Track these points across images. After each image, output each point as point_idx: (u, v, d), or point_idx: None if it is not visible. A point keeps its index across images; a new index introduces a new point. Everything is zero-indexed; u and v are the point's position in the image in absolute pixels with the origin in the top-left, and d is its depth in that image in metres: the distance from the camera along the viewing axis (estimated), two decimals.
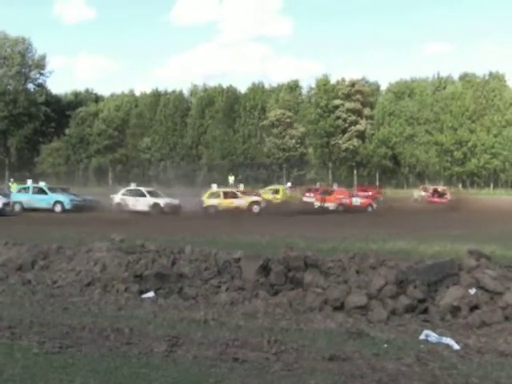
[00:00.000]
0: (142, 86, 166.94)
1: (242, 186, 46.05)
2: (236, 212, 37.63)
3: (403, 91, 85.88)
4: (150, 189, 42.55)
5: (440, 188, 56.42)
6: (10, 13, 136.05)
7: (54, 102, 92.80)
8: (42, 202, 37.72)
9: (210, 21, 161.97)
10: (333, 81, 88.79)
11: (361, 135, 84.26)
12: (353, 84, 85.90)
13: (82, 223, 28.23)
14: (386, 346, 7.11)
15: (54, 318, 8.25)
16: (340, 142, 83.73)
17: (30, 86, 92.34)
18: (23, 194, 38.64)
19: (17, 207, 36.86)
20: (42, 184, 41.21)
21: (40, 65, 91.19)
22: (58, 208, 37.10)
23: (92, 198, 40.47)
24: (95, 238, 13.93)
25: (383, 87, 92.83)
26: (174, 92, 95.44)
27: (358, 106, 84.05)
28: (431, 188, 55.63)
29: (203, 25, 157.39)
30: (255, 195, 43.32)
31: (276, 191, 48.52)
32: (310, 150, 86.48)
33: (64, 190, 40.55)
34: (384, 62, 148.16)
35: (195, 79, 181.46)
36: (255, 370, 6.08)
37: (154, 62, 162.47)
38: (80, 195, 40.63)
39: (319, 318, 8.46)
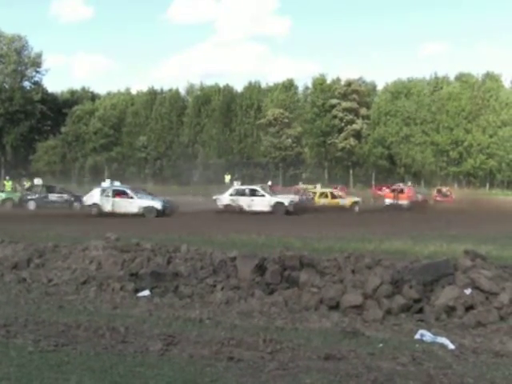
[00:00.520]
0: (139, 85, 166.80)
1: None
2: (340, 211, 38.70)
3: (400, 91, 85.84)
4: (265, 187, 41.12)
5: (444, 188, 57.27)
6: (7, 11, 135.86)
7: (50, 100, 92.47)
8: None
9: (207, 20, 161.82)
10: (330, 80, 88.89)
11: (357, 135, 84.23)
12: (349, 83, 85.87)
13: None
14: (381, 345, 7.11)
15: (50, 317, 8.25)
16: (336, 141, 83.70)
17: (26, 84, 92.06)
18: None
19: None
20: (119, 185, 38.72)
21: (36, 63, 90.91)
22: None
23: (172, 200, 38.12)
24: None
25: (380, 87, 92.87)
26: (170, 91, 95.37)
27: (354, 105, 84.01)
28: (436, 188, 57.04)
29: (200, 24, 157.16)
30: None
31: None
32: (306, 150, 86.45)
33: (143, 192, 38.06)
34: (381, 62, 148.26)
35: (192, 78, 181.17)
36: (250, 369, 6.08)
37: (151, 61, 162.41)
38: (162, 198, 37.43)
39: (315, 318, 8.46)
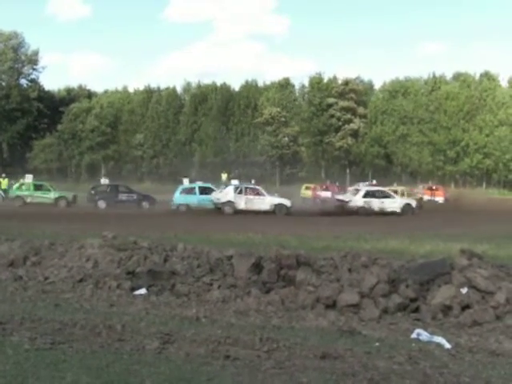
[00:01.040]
0: (136, 83, 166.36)
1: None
2: None
3: (397, 90, 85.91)
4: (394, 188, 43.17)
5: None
6: (4, 9, 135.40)
7: (46, 97, 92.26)
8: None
9: (204, 18, 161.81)
10: (327, 79, 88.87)
11: (354, 134, 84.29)
12: (346, 82, 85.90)
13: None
14: (377, 344, 7.12)
15: (46, 314, 8.23)
16: (333, 140, 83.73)
17: (23, 82, 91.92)
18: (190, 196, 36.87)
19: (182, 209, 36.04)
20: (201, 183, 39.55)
21: (33, 60, 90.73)
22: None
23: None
24: None
25: (377, 86, 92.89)
26: (167, 89, 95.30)
27: (351, 104, 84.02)
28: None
29: (198, 22, 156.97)
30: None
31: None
32: (303, 149, 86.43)
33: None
34: (378, 61, 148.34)
35: (189, 77, 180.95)
36: (247, 368, 6.08)
37: (149, 60, 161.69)
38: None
39: (311, 316, 8.47)
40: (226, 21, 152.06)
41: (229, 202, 34.99)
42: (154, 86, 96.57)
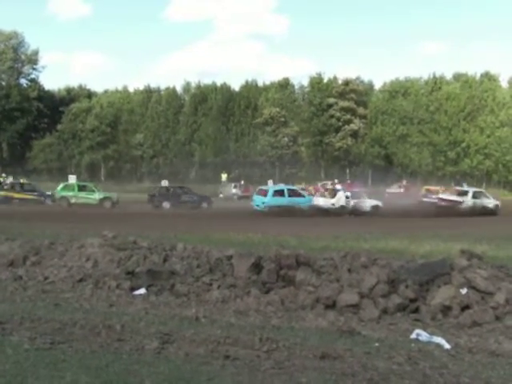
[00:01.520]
0: (137, 83, 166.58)
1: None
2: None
3: (397, 90, 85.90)
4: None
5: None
6: (4, 8, 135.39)
7: (46, 97, 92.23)
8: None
9: (204, 18, 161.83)
10: (327, 79, 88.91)
11: (354, 134, 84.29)
12: (347, 83, 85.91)
13: None
14: (377, 344, 7.12)
15: (46, 314, 8.23)
16: (333, 140, 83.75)
17: (23, 81, 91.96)
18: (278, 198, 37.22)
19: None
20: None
21: (33, 60, 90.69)
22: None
23: None
24: None
25: (378, 86, 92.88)
26: (167, 89, 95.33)
27: (351, 104, 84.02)
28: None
29: (198, 22, 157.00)
30: None
31: None
32: (303, 149, 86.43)
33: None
34: (379, 61, 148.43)
35: (190, 76, 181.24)
36: (246, 368, 6.08)
37: (149, 59, 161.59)
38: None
39: (311, 317, 8.47)
40: (226, 20, 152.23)
41: (342, 206, 37.49)
42: (153, 85, 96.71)
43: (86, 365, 5.98)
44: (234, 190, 57.59)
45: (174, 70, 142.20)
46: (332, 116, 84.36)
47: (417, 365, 6.34)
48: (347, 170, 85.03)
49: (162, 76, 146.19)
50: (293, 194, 38.08)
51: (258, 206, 37.04)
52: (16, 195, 39.24)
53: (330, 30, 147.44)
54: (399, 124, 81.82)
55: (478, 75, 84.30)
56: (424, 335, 7.49)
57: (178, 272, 10.41)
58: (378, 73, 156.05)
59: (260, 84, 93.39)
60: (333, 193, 39.53)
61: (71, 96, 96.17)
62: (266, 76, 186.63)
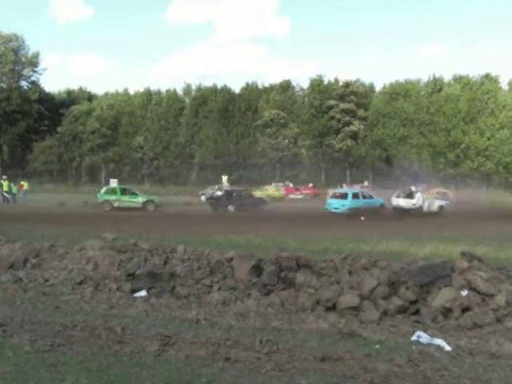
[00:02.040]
0: (137, 85, 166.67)
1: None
2: None
3: (398, 92, 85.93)
4: None
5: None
6: (5, 11, 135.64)
7: (47, 99, 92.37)
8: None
9: (205, 20, 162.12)
10: (328, 81, 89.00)
11: (354, 136, 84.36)
12: (347, 85, 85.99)
13: None
14: (377, 346, 7.12)
15: (46, 317, 8.23)
16: (333, 142, 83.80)
17: (24, 84, 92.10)
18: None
19: None
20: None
21: (33, 62, 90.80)
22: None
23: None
24: None
25: (378, 88, 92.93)
26: (167, 91, 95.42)
27: (352, 106, 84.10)
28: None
29: (199, 24, 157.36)
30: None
31: None
32: (303, 150, 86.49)
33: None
34: (380, 64, 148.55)
35: (190, 79, 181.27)
36: (247, 370, 6.08)
37: (150, 62, 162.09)
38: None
39: (311, 319, 8.47)
40: (227, 23, 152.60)
41: (420, 206, 38.87)
42: (154, 88, 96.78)
43: (86, 367, 5.98)
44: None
45: (174, 72, 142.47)
46: (332, 118, 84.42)
47: (417, 367, 6.33)
48: (347, 172, 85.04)
49: (162, 78, 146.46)
50: (364, 196, 40.55)
51: (337, 208, 38.38)
52: None
53: (331, 32, 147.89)
54: (400, 126, 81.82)
55: (479, 77, 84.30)
56: (425, 337, 7.49)
57: (178, 274, 10.41)
58: (379, 75, 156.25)
59: (260, 86, 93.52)
60: (408, 194, 40.42)
61: (72, 98, 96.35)
62: (267, 78, 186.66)
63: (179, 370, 6.00)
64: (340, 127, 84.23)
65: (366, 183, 58.92)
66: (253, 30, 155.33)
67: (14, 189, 45.84)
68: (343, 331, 7.77)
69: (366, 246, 16.80)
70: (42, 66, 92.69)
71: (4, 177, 46.28)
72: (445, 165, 78.83)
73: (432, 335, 7.60)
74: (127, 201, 39.38)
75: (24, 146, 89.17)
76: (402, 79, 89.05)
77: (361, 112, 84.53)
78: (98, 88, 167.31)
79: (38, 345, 6.73)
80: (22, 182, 49.49)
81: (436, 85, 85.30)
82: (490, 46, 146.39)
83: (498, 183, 78.38)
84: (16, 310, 8.70)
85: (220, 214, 38.60)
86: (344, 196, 39.55)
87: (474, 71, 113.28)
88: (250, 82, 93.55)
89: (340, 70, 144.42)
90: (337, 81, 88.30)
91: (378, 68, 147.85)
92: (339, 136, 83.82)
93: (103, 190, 41.33)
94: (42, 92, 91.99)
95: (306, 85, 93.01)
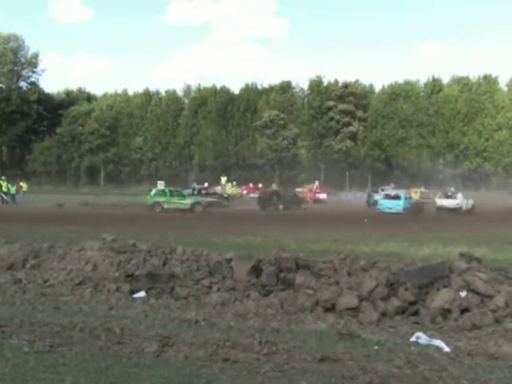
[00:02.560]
0: (136, 86, 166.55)
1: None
2: None
3: (397, 93, 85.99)
4: None
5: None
6: (4, 11, 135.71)
7: (46, 100, 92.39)
8: None
9: (204, 22, 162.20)
10: (327, 82, 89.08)
11: (353, 137, 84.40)
12: (346, 86, 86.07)
13: None
14: (376, 347, 7.12)
15: (45, 317, 8.23)
16: (333, 143, 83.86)
17: (23, 84, 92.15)
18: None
19: None
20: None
21: (32, 63, 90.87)
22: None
23: None
24: None
25: (377, 89, 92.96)
26: (167, 92, 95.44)
27: (351, 107, 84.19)
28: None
29: (198, 25, 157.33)
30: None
31: None
32: (303, 151, 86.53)
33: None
34: (378, 65, 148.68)
35: (190, 80, 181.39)
36: (246, 371, 6.08)
37: (149, 62, 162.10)
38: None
39: (310, 319, 8.46)
40: (226, 24, 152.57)
41: (461, 206, 42.94)
42: (153, 89, 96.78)
43: (85, 368, 5.98)
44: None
45: (173, 73, 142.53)
46: (331, 119, 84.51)
47: (416, 368, 6.33)
48: (346, 173, 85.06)
49: (161, 79, 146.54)
50: (407, 197, 45.16)
51: (390, 208, 41.98)
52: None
53: (330, 33, 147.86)
54: (398, 127, 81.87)
55: (477, 78, 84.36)
56: (423, 338, 7.49)
57: (177, 275, 10.42)
58: (378, 76, 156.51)
59: (260, 87, 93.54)
60: (448, 195, 44.79)
61: (71, 99, 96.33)
62: (266, 79, 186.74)
63: (178, 371, 6.00)
64: (339, 128, 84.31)
65: (392, 185, 59.94)
66: (252, 31, 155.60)
67: (13, 189, 45.80)
68: (342, 332, 7.77)
69: (365, 247, 16.80)
70: (41, 66, 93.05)
71: (3, 177, 46.24)
72: (443, 166, 78.91)
73: (431, 336, 7.60)
74: (176, 202, 39.74)
75: (23, 147, 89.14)
76: (401, 80, 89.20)
77: (360, 113, 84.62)
78: (97, 89, 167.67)
79: (37, 345, 6.73)
80: (21, 183, 49.45)
81: (435, 86, 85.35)
82: (489, 47, 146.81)
83: (497, 184, 78.42)
84: (15, 310, 8.70)
85: (268, 212, 41.44)
86: (397, 197, 43.54)
87: (474, 72, 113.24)
88: (249, 82, 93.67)
89: (339, 71, 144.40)
90: (336, 82, 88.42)
91: (376, 69, 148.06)
92: (338, 137, 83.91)
93: (153, 191, 42.11)
94: (41, 93, 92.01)
95: (305, 86, 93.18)
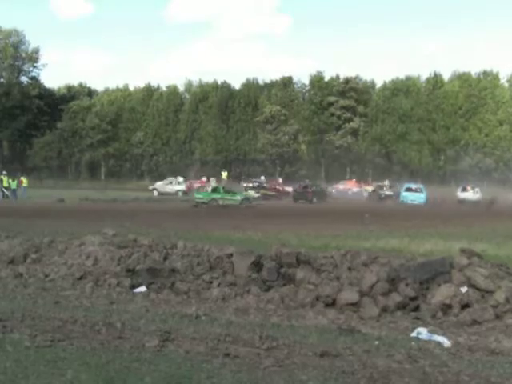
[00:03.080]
0: (137, 82, 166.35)
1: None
2: None
3: (399, 89, 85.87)
4: None
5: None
6: (5, 6, 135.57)
7: (47, 95, 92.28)
8: None
9: (206, 17, 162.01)
10: (328, 78, 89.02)
11: (354, 132, 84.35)
12: (347, 81, 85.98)
13: None
14: (377, 342, 7.12)
15: (46, 312, 8.23)
16: (334, 138, 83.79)
17: (24, 79, 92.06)
18: None
19: None
20: None
21: (33, 58, 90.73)
22: None
23: None
24: None
25: (379, 85, 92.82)
26: (168, 87, 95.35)
27: (352, 103, 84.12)
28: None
29: (200, 21, 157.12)
30: None
31: None
32: (303, 147, 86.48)
33: None
34: (379, 60, 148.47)
35: (191, 75, 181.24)
36: (246, 366, 6.08)
37: (150, 58, 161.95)
38: None
39: (311, 315, 8.47)
40: (228, 19, 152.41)
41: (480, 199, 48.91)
42: (154, 84, 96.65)
43: (86, 362, 5.98)
44: (177, 187, 57.55)
45: (174, 68, 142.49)
46: (332, 114, 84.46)
47: (417, 363, 6.33)
48: (347, 169, 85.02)
49: (162, 74, 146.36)
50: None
51: (414, 200, 48.48)
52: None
53: (331, 28, 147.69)
54: (399, 122, 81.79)
55: (478, 73, 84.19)
56: (424, 333, 7.49)
57: (178, 270, 10.42)
58: (379, 71, 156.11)
59: (261, 83, 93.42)
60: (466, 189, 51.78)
61: (71, 94, 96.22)
62: (267, 75, 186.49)
63: (179, 366, 6.00)
64: (340, 124, 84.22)
65: (387, 182, 61.66)
66: (253, 26, 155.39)
67: (14, 184, 45.74)
68: (343, 327, 7.78)
69: (366, 243, 16.80)
70: (42, 61, 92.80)
71: (4, 172, 46.20)
72: (444, 161, 78.87)
73: (431, 331, 7.60)
74: (229, 199, 43.25)
75: (24, 142, 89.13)
76: (402, 76, 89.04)
77: (361, 108, 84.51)
78: (98, 84, 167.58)
79: (38, 340, 6.73)
80: (22, 178, 49.37)
81: (436, 81, 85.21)
82: (490, 43, 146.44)
83: (498, 180, 78.34)
84: (16, 305, 8.70)
85: (301, 205, 46.40)
86: (419, 190, 50.74)
87: (475, 68, 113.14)
88: (250, 78, 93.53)
89: (340, 66, 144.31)
90: (337, 77, 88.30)
91: (378, 64, 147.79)
92: (339, 132, 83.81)
93: (210, 189, 45.63)
94: (41, 87, 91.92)
95: (306, 81, 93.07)
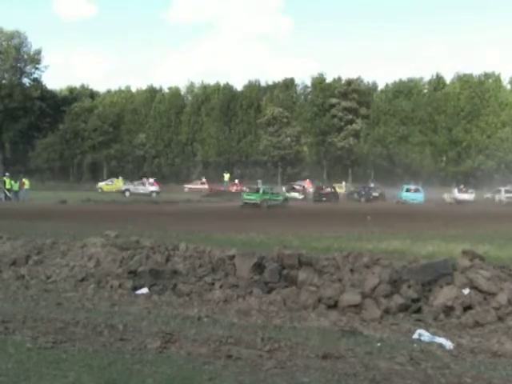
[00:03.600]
0: (140, 83, 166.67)
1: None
2: None
3: (401, 90, 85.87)
4: None
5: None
6: (7, 8, 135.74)
7: (49, 96, 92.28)
8: None
9: (208, 19, 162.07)
10: (330, 79, 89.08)
11: (356, 134, 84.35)
12: (349, 83, 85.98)
13: None
14: (379, 344, 7.12)
15: (48, 313, 8.24)
16: (335, 140, 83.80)
17: (26, 81, 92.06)
18: None
19: None
20: None
21: (35, 59, 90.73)
22: None
23: None
24: None
25: (381, 87, 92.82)
26: (170, 89, 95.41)
27: (354, 104, 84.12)
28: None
29: (202, 23, 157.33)
30: None
31: None
32: (305, 149, 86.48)
33: None
34: (381, 62, 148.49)
35: (193, 77, 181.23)
36: (249, 367, 6.08)
37: (152, 60, 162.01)
38: None
39: (313, 316, 8.47)
40: (230, 21, 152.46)
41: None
42: (156, 85, 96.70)
43: (88, 364, 5.98)
44: (151, 188, 58.87)
45: (176, 70, 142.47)
46: (334, 116, 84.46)
47: (419, 365, 6.33)
48: (349, 170, 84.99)
49: (164, 76, 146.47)
50: None
51: (414, 199, 52.94)
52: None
53: (333, 30, 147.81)
54: (400, 124, 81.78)
55: (480, 75, 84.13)
56: (426, 335, 7.48)
57: (180, 272, 10.42)
58: (381, 73, 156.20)
59: (263, 84, 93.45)
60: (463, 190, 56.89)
61: (73, 95, 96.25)
62: (269, 76, 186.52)
63: (181, 367, 6.00)
64: (342, 125, 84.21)
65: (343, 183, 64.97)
66: (255, 28, 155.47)
67: (16, 186, 45.78)
68: (345, 329, 7.77)
69: (368, 245, 16.78)
70: (44, 63, 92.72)
71: (6, 174, 46.23)
72: (446, 163, 78.81)
73: (433, 333, 7.60)
74: (274, 199, 47.68)
75: (26, 143, 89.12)
76: (404, 77, 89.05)
77: (363, 110, 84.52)
78: (100, 85, 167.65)
79: (40, 341, 6.74)
80: (24, 180, 49.40)
81: (439, 83, 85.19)
82: (492, 45, 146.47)
83: (499, 182, 78.25)
84: (18, 306, 8.71)
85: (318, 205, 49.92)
86: (418, 190, 55.94)
87: (477, 69, 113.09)
88: (252, 79, 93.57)
89: (342, 68, 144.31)
90: (339, 79, 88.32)
91: (380, 66, 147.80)
92: (341, 134, 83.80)
93: (261, 191, 48.52)
94: (43, 89, 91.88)
95: (308, 83, 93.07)
